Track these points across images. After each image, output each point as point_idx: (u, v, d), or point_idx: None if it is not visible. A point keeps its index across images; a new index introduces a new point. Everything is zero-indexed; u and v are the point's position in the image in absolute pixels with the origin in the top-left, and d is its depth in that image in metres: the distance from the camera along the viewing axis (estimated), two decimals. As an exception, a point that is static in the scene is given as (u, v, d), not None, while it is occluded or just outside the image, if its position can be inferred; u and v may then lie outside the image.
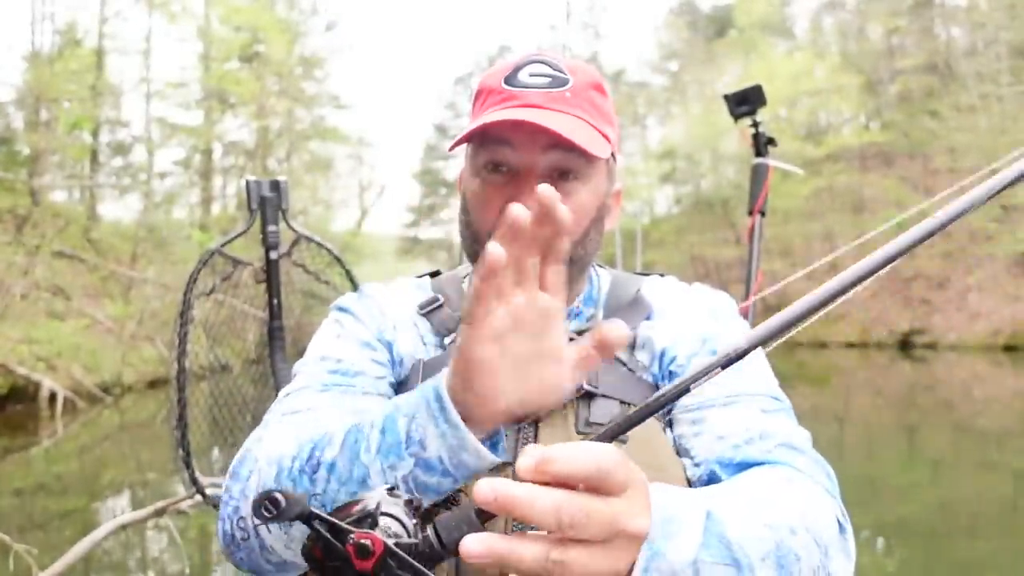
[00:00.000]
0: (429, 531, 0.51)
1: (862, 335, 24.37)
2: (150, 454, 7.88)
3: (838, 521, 0.77)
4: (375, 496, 0.53)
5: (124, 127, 21.65)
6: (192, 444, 2.26)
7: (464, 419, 0.67)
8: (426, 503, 0.66)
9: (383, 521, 0.51)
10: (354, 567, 0.48)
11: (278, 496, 0.49)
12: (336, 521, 0.50)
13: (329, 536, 0.50)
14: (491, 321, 0.63)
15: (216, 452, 2.43)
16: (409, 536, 0.50)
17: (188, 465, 2.25)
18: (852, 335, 24.27)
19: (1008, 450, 8.63)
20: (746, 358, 0.93)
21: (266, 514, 0.49)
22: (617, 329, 0.62)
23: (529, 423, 0.86)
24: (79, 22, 19.13)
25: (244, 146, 24.15)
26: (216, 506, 2.34)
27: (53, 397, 10.87)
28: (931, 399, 13.84)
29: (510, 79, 0.94)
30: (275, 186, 2.32)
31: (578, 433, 0.86)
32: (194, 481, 2.26)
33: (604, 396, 0.88)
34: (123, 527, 2.98)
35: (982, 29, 26.36)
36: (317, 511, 0.51)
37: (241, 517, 0.78)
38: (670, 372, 0.95)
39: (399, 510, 0.52)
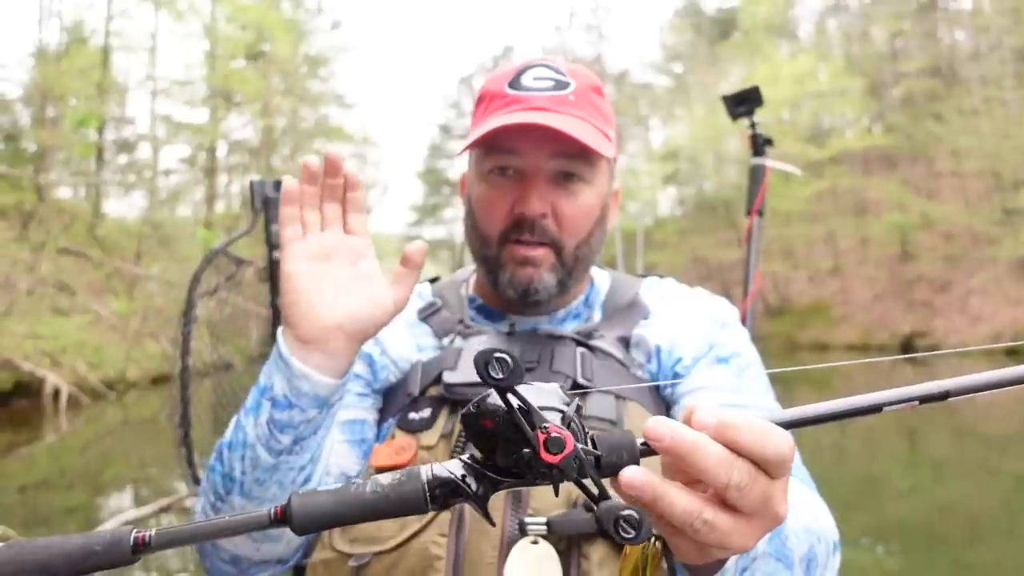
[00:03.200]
0: (589, 444, 0.49)
1: (864, 337, 24.32)
2: (153, 450, 7.89)
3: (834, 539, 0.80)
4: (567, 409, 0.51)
5: (130, 124, 21.74)
6: (195, 441, 2.28)
7: (304, 342, 0.77)
8: (287, 439, 0.79)
9: (572, 427, 0.49)
10: (538, 455, 0.47)
11: (505, 357, 0.46)
12: (536, 408, 0.48)
13: (524, 416, 0.47)
14: (303, 245, 0.79)
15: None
16: (580, 442, 0.48)
17: (191, 463, 2.26)
18: (854, 337, 24.22)
19: (1010, 454, 8.61)
20: (745, 370, 0.96)
21: (491, 374, 0.46)
22: (418, 245, 0.82)
23: None
24: (86, 20, 19.20)
25: (249, 144, 24.20)
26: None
27: (57, 393, 10.89)
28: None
29: (514, 83, 0.95)
30: (279, 186, 2.34)
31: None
32: (196, 479, 2.27)
33: (599, 390, 0.91)
34: (127, 524, 2.99)
35: (986, 33, 26.30)
36: (517, 388, 0.48)
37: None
38: (675, 372, 0.97)
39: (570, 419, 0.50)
